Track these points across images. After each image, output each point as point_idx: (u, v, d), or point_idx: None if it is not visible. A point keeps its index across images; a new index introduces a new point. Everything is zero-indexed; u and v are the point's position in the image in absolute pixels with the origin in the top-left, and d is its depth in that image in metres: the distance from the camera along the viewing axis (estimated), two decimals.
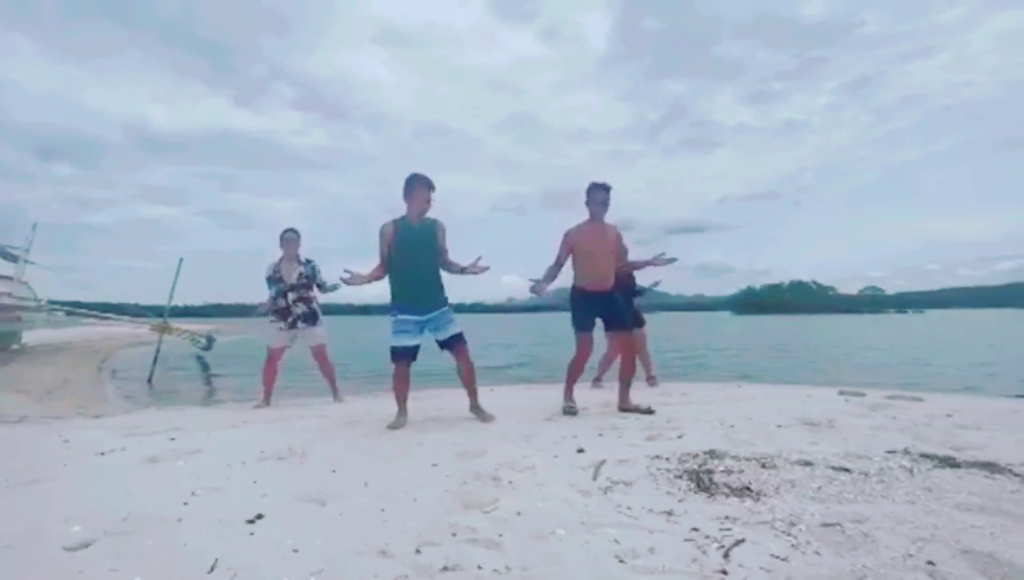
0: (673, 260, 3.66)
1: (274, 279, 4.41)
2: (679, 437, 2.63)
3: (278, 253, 4.48)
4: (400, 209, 3.33)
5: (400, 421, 3.25)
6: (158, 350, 9.58)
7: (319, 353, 4.57)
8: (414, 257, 3.23)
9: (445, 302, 3.31)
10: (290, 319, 4.41)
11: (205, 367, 10.77)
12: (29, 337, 13.62)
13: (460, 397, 5.09)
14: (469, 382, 3.41)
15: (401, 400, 3.34)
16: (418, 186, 3.25)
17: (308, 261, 4.50)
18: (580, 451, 2.42)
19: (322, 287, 4.51)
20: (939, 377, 8.21)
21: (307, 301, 4.47)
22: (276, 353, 4.45)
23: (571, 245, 3.57)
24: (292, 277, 4.40)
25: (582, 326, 3.56)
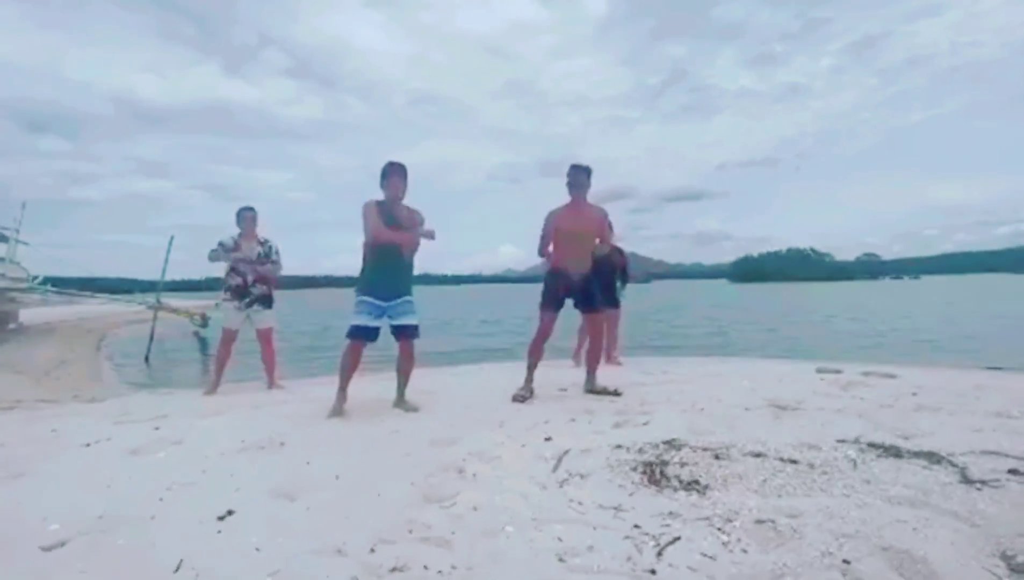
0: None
1: (231, 249, 4.30)
2: (645, 424, 2.72)
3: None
4: None
5: (339, 407, 3.24)
6: (153, 329, 9.69)
7: (266, 337, 4.53)
8: (395, 246, 3.22)
9: (410, 291, 3.35)
10: (247, 299, 4.37)
11: (203, 345, 10.91)
12: (26, 316, 13.71)
13: (447, 376, 5.22)
14: (405, 374, 3.44)
15: (345, 380, 3.30)
16: (396, 174, 3.22)
17: (266, 241, 4.44)
18: (547, 439, 2.50)
19: (274, 264, 4.47)
20: (918, 345, 8.36)
21: (265, 281, 4.44)
22: (231, 336, 4.44)
23: (553, 226, 3.61)
24: (252, 256, 4.35)
25: (548, 304, 3.63)
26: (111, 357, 9.62)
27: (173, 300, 16.11)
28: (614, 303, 5.36)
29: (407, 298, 3.32)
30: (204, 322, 12.53)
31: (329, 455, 2.44)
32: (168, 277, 11.09)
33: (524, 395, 3.55)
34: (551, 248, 3.69)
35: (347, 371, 3.31)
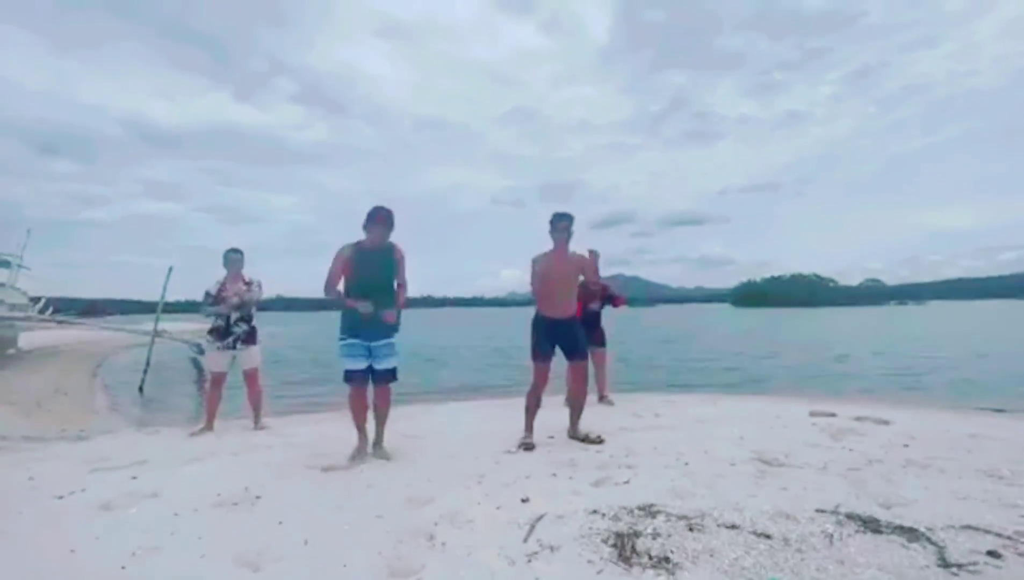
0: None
1: (217, 299, 4.37)
2: (626, 482, 2.67)
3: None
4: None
5: (361, 451, 3.29)
6: (148, 358, 9.68)
7: (251, 377, 4.54)
8: (370, 283, 3.21)
9: (394, 332, 3.31)
10: (229, 339, 4.41)
11: (200, 372, 10.89)
12: (26, 340, 13.74)
13: (438, 416, 5.16)
14: (382, 419, 3.44)
15: (360, 423, 3.36)
16: (379, 220, 3.22)
17: (251, 280, 4.49)
18: (524, 501, 2.45)
19: (252, 289, 4.48)
20: (922, 383, 8.21)
21: (248, 320, 4.48)
22: (219, 378, 4.48)
23: (539, 272, 3.63)
24: (234, 301, 4.40)
25: (540, 355, 3.61)
26: (106, 386, 9.59)
27: (172, 325, 16.14)
28: (601, 342, 5.36)
29: (389, 341, 3.31)
30: (201, 349, 12.54)
31: (302, 514, 2.40)
32: (174, 298, 11.19)
33: (530, 444, 3.55)
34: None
35: (358, 414, 3.37)
